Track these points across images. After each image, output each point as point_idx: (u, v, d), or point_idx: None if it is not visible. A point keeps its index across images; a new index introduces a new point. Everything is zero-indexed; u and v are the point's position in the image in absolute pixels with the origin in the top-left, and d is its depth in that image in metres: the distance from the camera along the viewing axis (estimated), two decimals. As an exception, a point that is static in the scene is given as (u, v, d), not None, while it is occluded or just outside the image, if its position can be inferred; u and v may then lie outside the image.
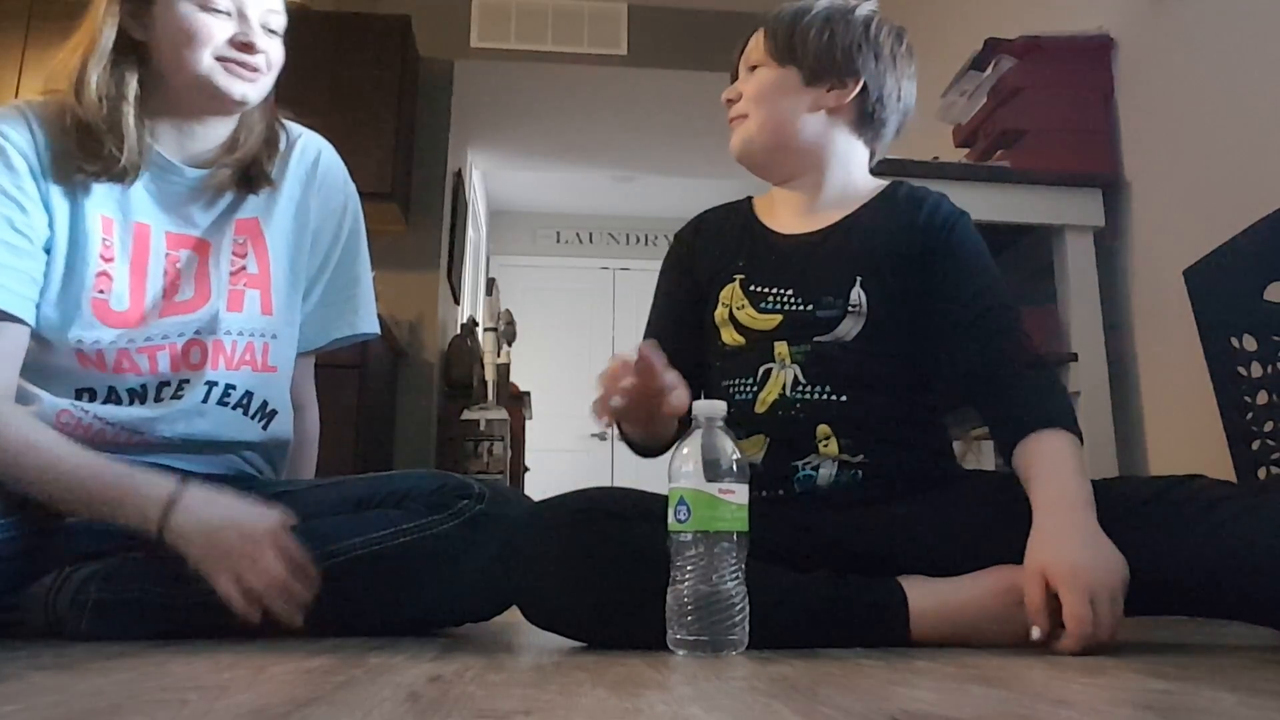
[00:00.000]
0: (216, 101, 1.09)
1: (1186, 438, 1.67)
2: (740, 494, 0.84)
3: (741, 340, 1.11)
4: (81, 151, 1.04)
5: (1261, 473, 1.25)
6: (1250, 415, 1.26)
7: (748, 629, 0.83)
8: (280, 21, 1.13)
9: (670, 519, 0.84)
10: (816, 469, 1.05)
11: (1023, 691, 0.61)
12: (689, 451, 0.84)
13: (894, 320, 1.08)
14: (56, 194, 1.05)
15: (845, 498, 1.04)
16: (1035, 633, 0.86)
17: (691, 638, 0.82)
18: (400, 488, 1.09)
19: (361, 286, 1.29)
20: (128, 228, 1.09)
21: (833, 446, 1.05)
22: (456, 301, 4.19)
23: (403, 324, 3.54)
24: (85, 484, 0.98)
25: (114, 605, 0.99)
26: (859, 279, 1.09)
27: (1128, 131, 1.89)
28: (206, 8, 1.06)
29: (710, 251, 1.20)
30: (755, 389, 1.09)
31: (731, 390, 1.10)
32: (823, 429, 1.05)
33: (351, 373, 2.82)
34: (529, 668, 0.76)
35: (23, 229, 1.02)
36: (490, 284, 4.97)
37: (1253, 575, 0.84)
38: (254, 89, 1.10)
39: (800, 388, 1.07)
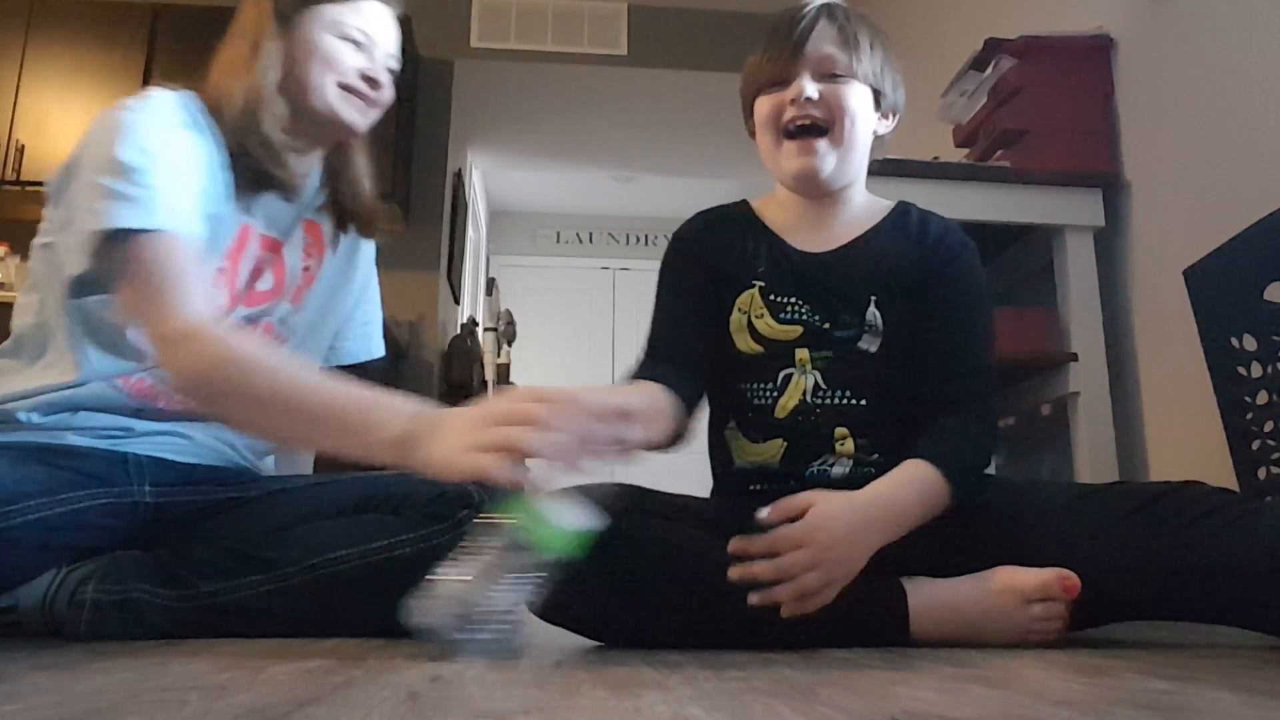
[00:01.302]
0: (331, 127, 1.15)
1: (1186, 438, 1.67)
2: (577, 521, 0.79)
3: (759, 349, 1.11)
4: (270, 165, 1.09)
5: (1261, 473, 1.25)
6: (1250, 415, 1.26)
7: (485, 643, 0.78)
8: (397, 66, 1.20)
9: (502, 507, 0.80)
10: (831, 466, 1.06)
11: (1023, 691, 0.61)
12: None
13: (909, 335, 1.10)
14: (209, 185, 1.06)
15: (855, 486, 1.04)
16: (762, 513, 0.90)
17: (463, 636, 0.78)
18: (398, 490, 1.09)
19: (380, 311, 1.38)
20: (235, 227, 1.12)
21: (849, 446, 1.06)
22: (456, 301, 4.18)
23: (403, 324, 3.54)
24: (334, 399, 0.89)
25: (112, 605, 0.99)
26: (873, 299, 1.10)
27: (1128, 131, 1.89)
28: (343, 36, 1.13)
29: (722, 251, 1.17)
30: (775, 394, 1.09)
31: (750, 395, 1.10)
32: (840, 430, 1.06)
33: (351, 373, 2.81)
34: (529, 668, 0.76)
35: (196, 181, 1.03)
36: (490, 284, 4.98)
37: (1249, 582, 0.84)
38: (365, 120, 1.17)
39: (821, 393, 1.07)
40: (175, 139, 1.03)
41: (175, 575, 1.03)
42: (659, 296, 1.21)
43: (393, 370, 3.48)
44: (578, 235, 6.00)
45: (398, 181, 3.36)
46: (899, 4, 3.10)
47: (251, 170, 1.09)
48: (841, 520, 0.90)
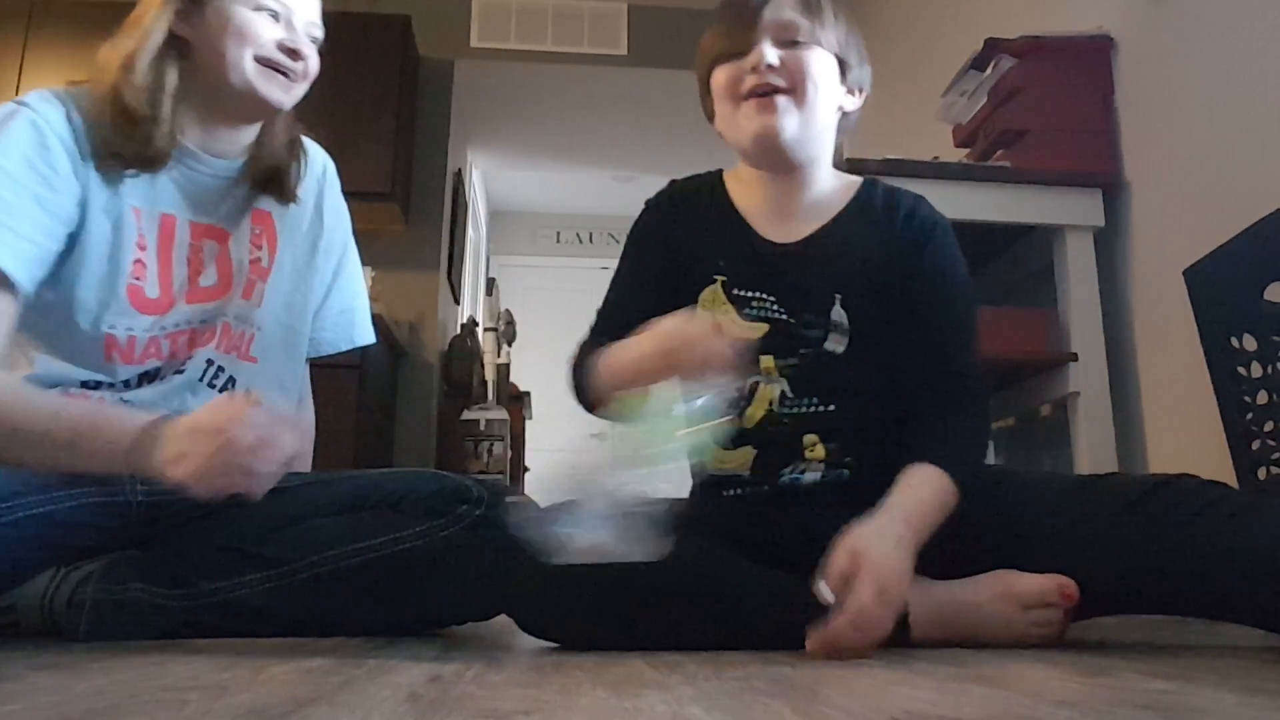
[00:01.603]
0: (252, 104, 1.10)
1: (1186, 437, 1.67)
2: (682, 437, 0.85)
3: None
4: (119, 138, 1.05)
5: (1261, 473, 1.25)
6: (1250, 415, 1.26)
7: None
8: (319, 34, 1.15)
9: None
10: (803, 473, 1.04)
11: (1023, 691, 0.61)
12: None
13: (877, 333, 1.06)
14: (95, 181, 1.05)
15: (833, 495, 1.03)
16: (825, 593, 0.85)
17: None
18: (397, 488, 1.09)
19: (362, 297, 1.34)
20: (154, 217, 1.10)
21: (819, 451, 1.04)
22: (456, 301, 4.19)
23: (403, 324, 3.54)
24: (64, 419, 0.95)
25: (112, 605, 0.99)
26: (838, 298, 1.06)
27: (1128, 131, 1.89)
28: (258, 8, 1.08)
29: (689, 233, 1.13)
30: (742, 404, 1.05)
31: None
32: (810, 437, 1.04)
33: (351, 373, 2.82)
34: (529, 668, 0.76)
35: (48, 205, 1.01)
36: (490, 284, 4.97)
37: (1247, 577, 0.83)
38: (289, 96, 1.12)
39: (788, 402, 1.05)
40: (32, 158, 1.00)
41: (175, 575, 1.03)
42: (621, 267, 1.16)
43: (393, 370, 3.48)
44: (578, 235, 6.00)
45: (397, 181, 3.36)
46: (899, 4, 3.10)
47: (113, 149, 1.05)
48: (887, 556, 0.86)
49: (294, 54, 1.10)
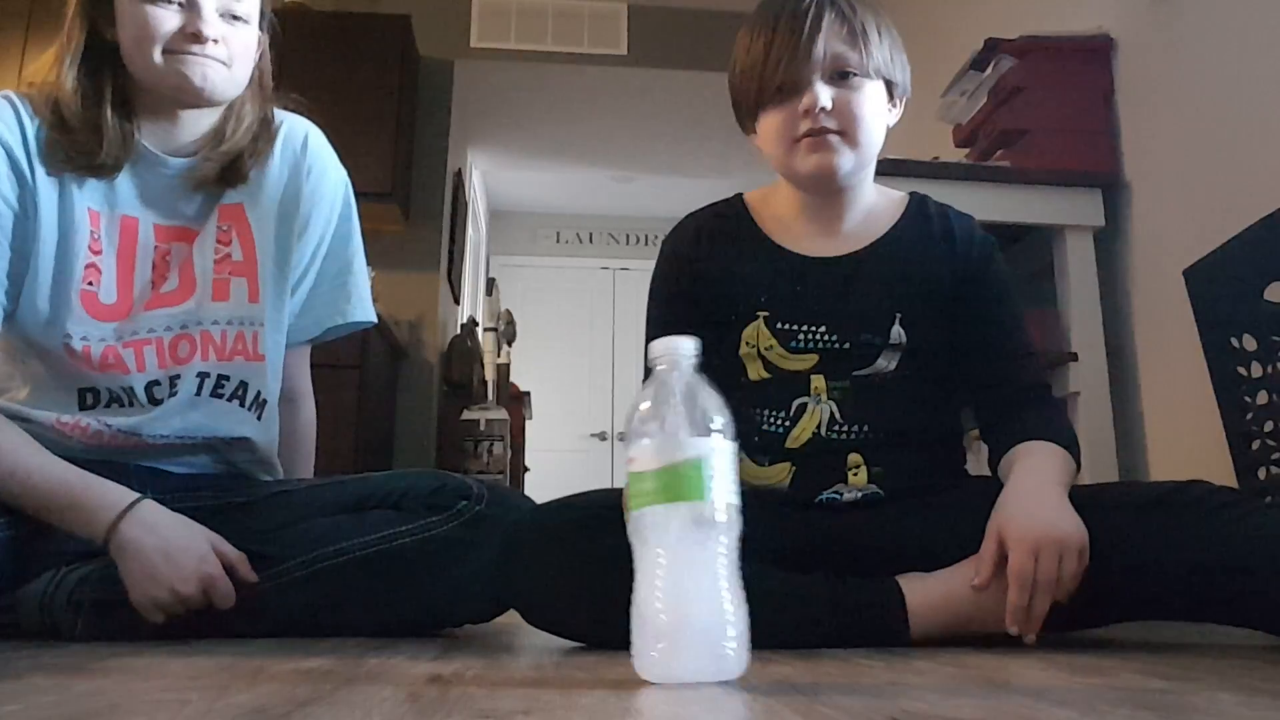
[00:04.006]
0: (183, 94, 1.07)
1: (1187, 438, 1.67)
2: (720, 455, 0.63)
3: (770, 376, 1.06)
4: (65, 146, 1.04)
5: (1261, 473, 1.25)
6: (1250, 415, 1.26)
7: (747, 648, 0.62)
8: (246, 7, 1.09)
9: (626, 499, 0.64)
10: (841, 494, 1.04)
11: (1023, 691, 0.61)
12: (649, 409, 0.64)
13: (931, 347, 1.07)
14: (45, 186, 1.04)
15: (866, 509, 1.03)
16: (976, 580, 0.90)
17: (666, 661, 0.61)
18: (398, 487, 1.09)
19: (355, 273, 1.27)
20: (115, 220, 1.08)
21: (862, 476, 1.03)
22: (456, 301, 4.18)
23: (403, 324, 3.54)
24: (43, 486, 0.97)
25: (111, 605, 0.98)
26: (899, 315, 1.06)
27: (1128, 131, 1.89)
28: (155, 0, 1.04)
29: (722, 265, 1.10)
30: (788, 423, 1.04)
31: (760, 421, 1.06)
32: (854, 458, 1.04)
33: (351, 373, 2.82)
34: (529, 668, 0.76)
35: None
36: (490, 284, 4.97)
37: (1255, 582, 0.84)
38: (215, 78, 1.07)
39: (836, 426, 1.04)
40: None
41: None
42: (654, 316, 1.14)
43: (393, 370, 3.48)
44: (578, 235, 6.00)
45: (397, 181, 3.36)
46: (900, 4, 3.10)
47: (60, 157, 1.05)
48: (1036, 514, 0.90)
49: (197, 38, 1.04)
